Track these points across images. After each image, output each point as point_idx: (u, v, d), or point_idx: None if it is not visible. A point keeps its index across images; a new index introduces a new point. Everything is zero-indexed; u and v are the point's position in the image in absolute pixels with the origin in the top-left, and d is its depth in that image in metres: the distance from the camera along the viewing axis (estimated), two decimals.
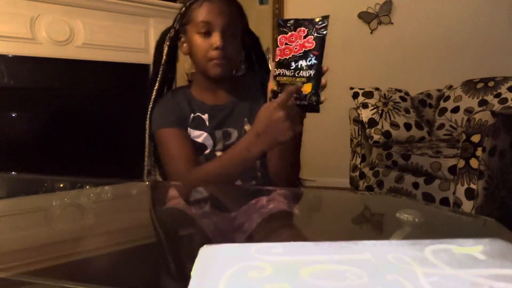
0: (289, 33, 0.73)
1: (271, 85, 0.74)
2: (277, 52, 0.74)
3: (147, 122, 1.02)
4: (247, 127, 0.98)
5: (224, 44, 0.89)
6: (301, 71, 0.71)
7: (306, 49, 0.71)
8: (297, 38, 0.72)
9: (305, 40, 0.71)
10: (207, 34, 0.90)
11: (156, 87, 1.01)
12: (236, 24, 0.94)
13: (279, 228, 0.76)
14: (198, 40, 0.92)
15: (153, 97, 1.01)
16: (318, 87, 0.70)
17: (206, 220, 0.80)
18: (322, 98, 0.70)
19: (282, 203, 0.84)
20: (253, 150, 0.80)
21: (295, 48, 0.72)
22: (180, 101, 1.00)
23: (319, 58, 0.70)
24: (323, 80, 0.71)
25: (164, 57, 1.00)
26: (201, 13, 0.91)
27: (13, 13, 1.98)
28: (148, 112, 1.01)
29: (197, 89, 1.02)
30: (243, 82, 1.04)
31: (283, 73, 0.72)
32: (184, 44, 0.98)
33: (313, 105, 0.70)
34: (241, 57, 1.06)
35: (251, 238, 0.66)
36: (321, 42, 0.70)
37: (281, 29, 0.74)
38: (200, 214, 0.80)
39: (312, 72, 0.70)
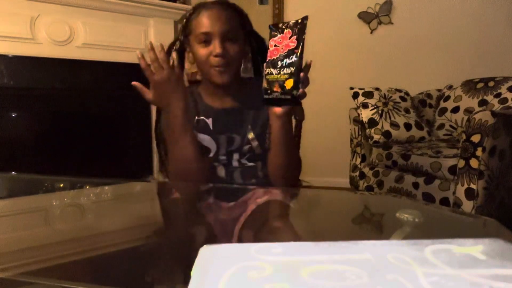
0: (278, 36, 0.81)
1: (263, 84, 0.82)
2: (268, 53, 0.82)
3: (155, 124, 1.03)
4: (250, 135, 1.00)
5: (224, 50, 0.91)
6: (285, 69, 0.78)
7: (289, 49, 0.78)
8: (283, 39, 0.80)
9: (289, 40, 0.79)
10: (207, 42, 0.92)
11: None
12: (235, 29, 0.95)
13: (278, 227, 0.76)
14: (199, 50, 0.93)
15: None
16: (298, 81, 0.77)
17: (204, 210, 0.81)
18: (300, 91, 0.77)
19: (279, 196, 0.86)
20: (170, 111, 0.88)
21: (282, 49, 0.80)
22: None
23: (299, 55, 0.77)
24: (301, 75, 0.77)
25: None
26: (200, 24, 0.92)
27: (13, 13, 1.98)
28: (155, 118, 1.02)
29: (205, 91, 1.04)
30: (250, 85, 1.05)
31: (270, 72, 0.80)
32: (190, 54, 1.00)
33: (294, 98, 0.77)
34: (247, 59, 1.07)
35: (247, 228, 0.66)
36: (301, 40, 0.77)
37: (272, 33, 0.83)
38: (198, 206, 0.81)
39: (293, 68, 0.77)
